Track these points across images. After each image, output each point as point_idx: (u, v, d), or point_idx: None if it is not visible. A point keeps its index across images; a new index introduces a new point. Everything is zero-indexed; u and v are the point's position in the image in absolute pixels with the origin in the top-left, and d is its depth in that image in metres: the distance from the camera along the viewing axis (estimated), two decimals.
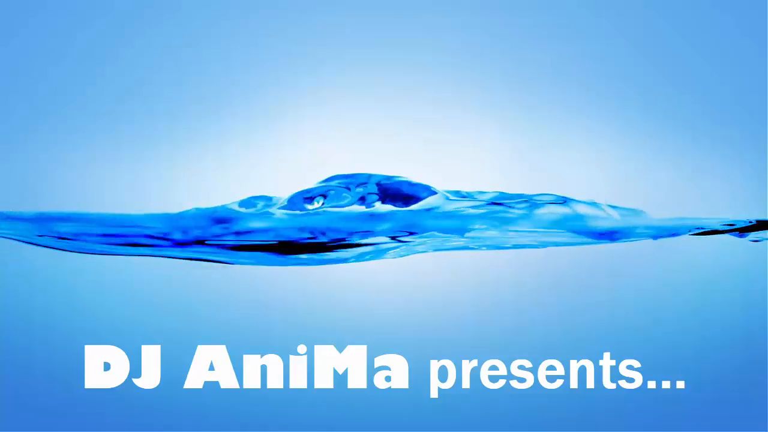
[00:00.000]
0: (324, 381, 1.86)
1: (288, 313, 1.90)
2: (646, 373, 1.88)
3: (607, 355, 1.88)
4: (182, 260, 1.89)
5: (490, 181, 1.91)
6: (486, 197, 1.83)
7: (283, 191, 1.90)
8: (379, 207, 1.84)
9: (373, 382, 1.86)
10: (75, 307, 1.90)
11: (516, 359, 1.88)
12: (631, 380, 1.87)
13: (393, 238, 1.80)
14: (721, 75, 1.93)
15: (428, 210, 1.81)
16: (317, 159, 1.91)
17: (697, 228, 1.88)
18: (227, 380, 1.86)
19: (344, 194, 1.84)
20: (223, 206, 1.81)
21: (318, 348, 1.87)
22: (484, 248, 1.87)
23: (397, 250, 1.85)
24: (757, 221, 1.85)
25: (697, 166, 1.92)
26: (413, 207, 1.85)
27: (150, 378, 1.86)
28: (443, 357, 1.88)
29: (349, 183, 1.87)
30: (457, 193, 1.84)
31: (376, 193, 1.86)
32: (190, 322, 1.89)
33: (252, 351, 1.88)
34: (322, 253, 1.82)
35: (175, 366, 1.86)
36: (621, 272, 1.92)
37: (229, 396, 1.86)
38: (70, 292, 1.91)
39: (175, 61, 1.93)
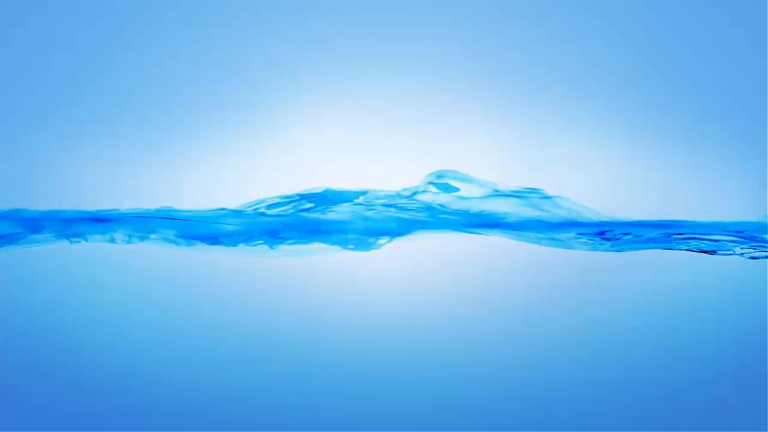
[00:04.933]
0: (325, 380, 1.86)
1: (288, 313, 1.90)
2: (647, 373, 1.88)
3: (606, 355, 1.88)
4: (182, 260, 1.90)
5: (490, 182, 1.91)
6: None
7: (283, 192, 1.90)
8: None
9: (373, 380, 1.86)
10: (75, 306, 1.90)
11: (516, 359, 1.88)
12: (631, 380, 1.87)
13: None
14: (721, 75, 1.93)
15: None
16: (317, 159, 1.91)
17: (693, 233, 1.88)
18: (226, 379, 1.86)
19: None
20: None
21: (318, 346, 1.87)
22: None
23: None
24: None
25: (697, 166, 1.92)
26: None
27: (150, 376, 1.86)
28: (444, 357, 1.88)
29: None
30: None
31: None
32: (190, 321, 1.90)
33: (252, 350, 1.88)
34: None
35: (174, 366, 1.87)
36: (621, 272, 1.92)
37: (228, 396, 1.86)
38: (70, 292, 1.91)
39: (176, 62, 1.93)
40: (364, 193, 1.91)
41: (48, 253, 1.88)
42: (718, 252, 1.90)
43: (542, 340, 1.90)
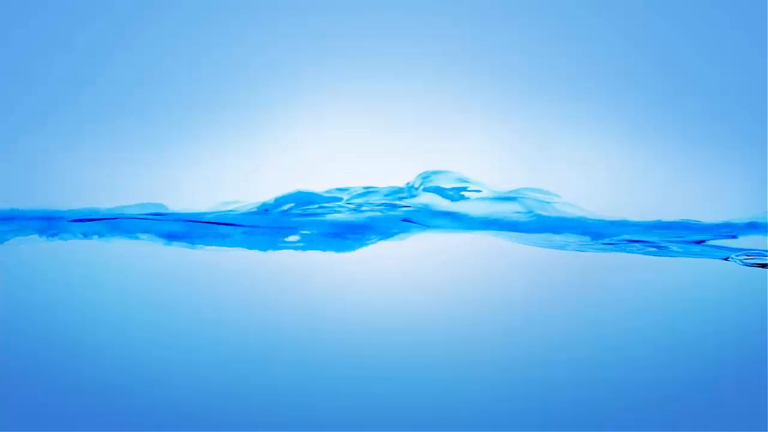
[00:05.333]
0: (325, 380, 1.86)
1: (288, 312, 1.90)
2: (647, 373, 1.88)
3: (606, 355, 1.88)
4: (182, 260, 1.90)
5: (489, 182, 1.91)
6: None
7: (282, 192, 1.91)
8: None
9: (373, 380, 1.86)
10: (74, 305, 1.90)
11: (516, 359, 1.88)
12: (631, 380, 1.87)
13: None
14: (721, 75, 1.93)
15: None
16: (317, 159, 1.91)
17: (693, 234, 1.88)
18: (226, 379, 1.86)
19: None
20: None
21: (319, 346, 1.87)
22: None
23: None
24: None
25: (697, 166, 1.92)
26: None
27: (150, 375, 1.86)
28: (444, 357, 1.88)
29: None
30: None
31: None
32: (190, 321, 1.90)
33: (252, 350, 1.88)
34: None
35: (174, 365, 1.87)
36: (621, 272, 1.92)
37: (228, 396, 1.86)
38: (69, 291, 1.91)
39: (176, 62, 1.93)
40: (362, 192, 1.91)
41: (47, 253, 1.88)
42: (718, 258, 1.90)
43: (542, 340, 1.90)
